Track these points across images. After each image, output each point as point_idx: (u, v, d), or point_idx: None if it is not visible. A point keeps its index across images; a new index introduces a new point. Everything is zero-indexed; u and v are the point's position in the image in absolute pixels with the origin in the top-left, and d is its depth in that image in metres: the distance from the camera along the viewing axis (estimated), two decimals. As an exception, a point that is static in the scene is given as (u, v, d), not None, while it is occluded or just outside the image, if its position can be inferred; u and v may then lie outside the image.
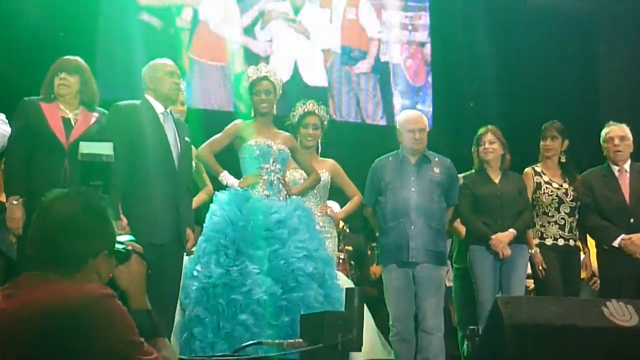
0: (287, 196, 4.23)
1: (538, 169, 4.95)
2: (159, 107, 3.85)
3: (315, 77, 7.45)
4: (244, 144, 4.23)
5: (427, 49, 8.16)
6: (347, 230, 6.03)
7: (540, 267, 4.73)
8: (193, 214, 4.02)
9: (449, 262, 5.05)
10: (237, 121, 4.34)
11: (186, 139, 3.93)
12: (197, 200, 4.47)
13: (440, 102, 7.89)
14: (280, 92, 4.39)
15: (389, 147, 4.79)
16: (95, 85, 3.93)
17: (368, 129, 7.53)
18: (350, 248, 6.32)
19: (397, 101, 7.88)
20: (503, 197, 4.71)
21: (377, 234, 4.78)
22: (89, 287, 1.81)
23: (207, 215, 4.08)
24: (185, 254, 3.99)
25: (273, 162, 4.22)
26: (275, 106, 4.35)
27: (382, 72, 7.92)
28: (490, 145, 4.79)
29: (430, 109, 8.07)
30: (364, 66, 7.79)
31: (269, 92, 4.28)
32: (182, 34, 6.88)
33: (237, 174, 4.28)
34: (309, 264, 3.96)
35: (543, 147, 4.96)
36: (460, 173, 4.84)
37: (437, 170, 4.61)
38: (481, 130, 4.86)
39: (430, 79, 8.22)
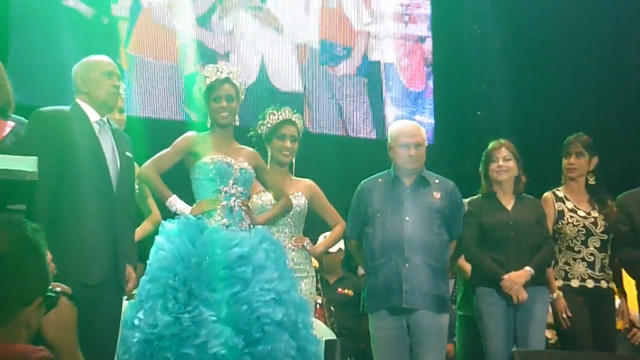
0: (251, 226, 4.30)
1: (560, 194, 5.05)
2: (93, 115, 3.91)
3: (287, 80, 7.55)
4: (197, 161, 4.30)
5: (428, 45, 8.31)
6: (331, 271, 6.13)
7: (565, 315, 4.83)
8: (135, 247, 4.07)
9: (452, 308, 5.14)
10: (189, 133, 4.39)
11: (127, 153, 3.99)
12: (140, 231, 4.52)
13: (443, 111, 7.98)
14: (243, 97, 4.49)
15: (379, 165, 4.89)
16: (9, 87, 3.91)
17: (353, 144, 7.61)
18: (350, 292, 6.42)
19: (390, 110, 8.00)
20: (517, 228, 4.80)
21: (363, 273, 4.86)
22: (21, 349, 1.74)
23: (152, 249, 4.11)
24: (124, 297, 4.02)
25: (233, 184, 4.29)
26: (236, 113, 4.43)
27: (371, 74, 8.04)
28: (505, 162, 4.88)
29: (432, 120, 8.19)
30: (348, 67, 7.92)
31: (231, 99, 4.36)
32: (119, 25, 6.95)
33: (190, 199, 4.35)
34: (278, 310, 3.99)
35: (566, 166, 5.07)
36: (465, 197, 4.93)
37: (437, 194, 4.69)
38: (493, 144, 4.95)
39: (431, 83, 8.35)
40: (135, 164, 4.21)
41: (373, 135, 7.80)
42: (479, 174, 5.02)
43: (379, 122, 7.88)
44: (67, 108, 3.94)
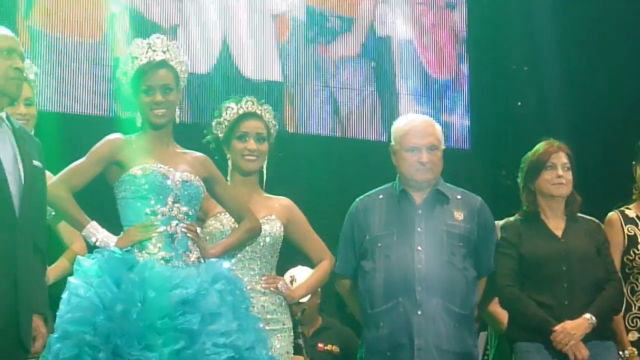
0: (200, 260, 4.29)
1: (631, 213, 5.06)
2: (-15, 109, 3.88)
3: (260, 64, 7.50)
4: (124, 173, 4.29)
5: (461, 13, 8.26)
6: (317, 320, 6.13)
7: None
8: (46, 291, 4.00)
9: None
10: (112, 136, 4.38)
11: (35, 163, 3.94)
12: (55, 270, 4.50)
13: (474, 104, 7.98)
14: (185, 83, 4.48)
15: (390, 179, 4.88)
16: None
17: (352, 149, 7.59)
18: (335, 348, 6.44)
19: (407, 107, 7.95)
20: (571, 260, 4.79)
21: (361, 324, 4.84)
22: None
23: (64, 295, 4.08)
24: (30, 361, 4.00)
25: (174, 202, 4.28)
26: (177, 110, 4.42)
27: (380, 55, 8.00)
28: (566, 172, 4.88)
29: (466, 122, 8.13)
30: (348, 45, 7.88)
31: (168, 89, 4.36)
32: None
33: (116, 226, 4.33)
34: None
35: (640, 176, 5.08)
36: (499, 219, 4.93)
37: (459, 214, 4.71)
38: (547, 146, 4.94)
39: (465, 69, 8.29)
40: (49, 175, 4.20)
41: (382, 138, 7.73)
42: (517, 185, 5.03)
43: (391, 121, 7.80)
44: (-55, 99, 3.92)
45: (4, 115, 3.92)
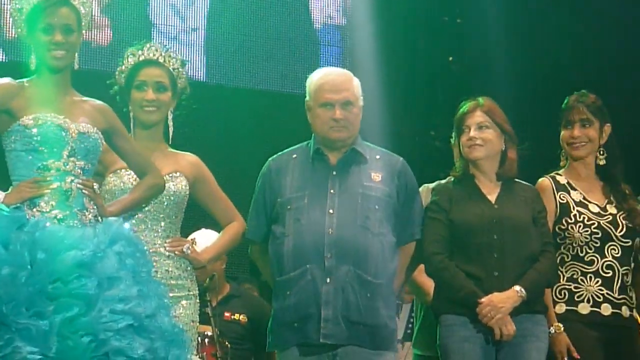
0: (98, 219, 4.35)
1: (562, 180, 5.19)
2: None
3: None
4: (14, 123, 4.31)
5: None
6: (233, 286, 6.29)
7: (566, 358, 4.94)
8: None
9: (402, 346, 5.43)
10: (3, 81, 4.38)
11: None
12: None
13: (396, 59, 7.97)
14: (87, 25, 4.48)
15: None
16: None
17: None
18: (243, 318, 6.62)
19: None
20: (504, 228, 4.94)
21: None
22: None
23: None
24: None
25: (69, 155, 4.31)
26: (77, 50, 4.42)
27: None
28: (480, 132, 4.99)
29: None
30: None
31: (70, 30, 4.37)
32: None
33: (4, 181, 4.36)
34: (139, 342, 4.00)
35: (567, 140, 5.18)
36: (427, 182, 5.11)
37: (376, 175, 4.86)
38: (465, 107, 5.07)
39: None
40: None
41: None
42: (451, 148, 5.19)
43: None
44: None
45: None
